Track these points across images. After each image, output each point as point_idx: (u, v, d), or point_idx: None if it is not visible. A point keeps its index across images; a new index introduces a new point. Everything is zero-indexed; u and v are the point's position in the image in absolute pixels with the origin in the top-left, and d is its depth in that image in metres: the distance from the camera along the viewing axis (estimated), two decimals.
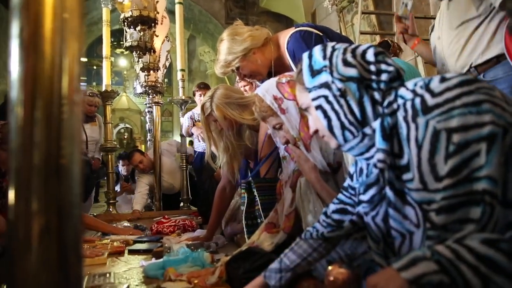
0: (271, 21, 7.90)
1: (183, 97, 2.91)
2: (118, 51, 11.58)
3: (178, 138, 3.53)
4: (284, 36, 1.52)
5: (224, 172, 1.75)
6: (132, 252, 1.61)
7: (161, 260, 1.35)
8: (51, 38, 0.38)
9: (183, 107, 2.99)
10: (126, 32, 1.65)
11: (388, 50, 2.12)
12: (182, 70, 2.92)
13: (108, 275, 1.25)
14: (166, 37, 2.51)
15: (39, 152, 0.37)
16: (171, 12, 3.09)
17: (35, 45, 0.38)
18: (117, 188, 3.69)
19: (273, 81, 1.21)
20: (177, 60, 2.87)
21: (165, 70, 2.90)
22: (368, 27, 5.32)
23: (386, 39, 3.19)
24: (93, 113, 3.41)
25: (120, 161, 3.98)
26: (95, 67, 12.20)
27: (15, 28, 0.37)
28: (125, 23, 1.51)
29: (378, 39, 5.00)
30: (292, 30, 1.51)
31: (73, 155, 0.40)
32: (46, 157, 0.38)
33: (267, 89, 1.19)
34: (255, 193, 1.45)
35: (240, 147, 1.64)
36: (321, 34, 1.46)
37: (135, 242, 1.77)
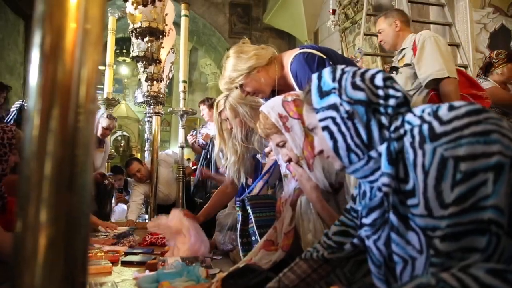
0: (273, 38, 8.00)
1: (184, 108, 2.92)
2: (120, 59, 11.64)
3: (176, 149, 3.53)
4: (288, 57, 1.54)
5: (229, 174, 1.77)
6: (126, 263, 1.59)
7: (155, 273, 1.33)
8: (71, 49, 0.38)
9: (183, 118, 3.00)
10: (133, 42, 1.67)
11: None
12: (184, 81, 2.95)
13: (110, 284, 1.23)
14: (171, 48, 2.53)
15: (52, 160, 0.37)
16: (176, 24, 3.13)
17: (55, 55, 0.38)
18: (112, 200, 3.67)
19: (278, 99, 1.22)
20: (179, 71, 2.89)
21: (168, 81, 2.92)
22: (370, 48, 5.40)
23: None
24: (107, 136, 3.22)
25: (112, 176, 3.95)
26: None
27: (37, 38, 0.38)
28: (133, 34, 1.53)
29: (379, 60, 5.07)
30: (296, 51, 1.54)
31: (86, 164, 0.40)
32: (59, 165, 0.38)
33: (272, 107, 1.19)
34: (249, 211, 1.45)
35: (247, 151, 1.66)
36: (324, 56, 1.48)
37: (127, 253, 1.74)
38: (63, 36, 0.38)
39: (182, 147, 3.15)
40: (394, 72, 1.99)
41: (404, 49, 2.05)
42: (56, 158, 0.37)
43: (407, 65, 1.97)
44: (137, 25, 1.45)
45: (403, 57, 2.05)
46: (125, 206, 3.82)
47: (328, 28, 5.82)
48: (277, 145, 1.20)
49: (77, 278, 0.39)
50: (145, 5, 1.17)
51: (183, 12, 3.03)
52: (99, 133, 3.04)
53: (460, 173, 0.59)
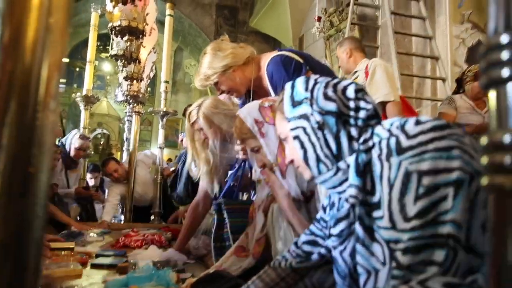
0: (259, 42, 8.02)
1: (165, 109, 2.89)
2: (103, 55, 11.43)
3: (155, 150, 3.49)
4: (266, 58, 1.54)
5: (202, 185, 1.74)
6: (95, 266, 1.55)
7: (124, 276, 1.30)
8: (32, 44, 0.37)
9: (164, 119, 2.97)
10: (112, 40, 1.64)
11: None
12: (166, 82, 2.92)
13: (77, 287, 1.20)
14: (153, 48, 2.51)
15: (6, 156, 0.36)
16: (161, 23, 3.10)
17: (14, 49, 0.37)
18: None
19: (256, 103, 1.22)
20: (162, 71, 2.87)
21: (148, 81, 2.89)
22: None
23: None
24: (81, 157, 3.08)
25: (88, 174, 3.87)
26: (77, 69, 12.00)
27: None
28: (113, 32, 1.51)
29: None
30: (274, 53, 1.54)
31: (43, 164, 0.38)
32: (12, 164, 0.36)
33: (249, 111, 1.19)
34: (225, 215, 1.44)
35: (223, 160, 1.63)
36: (301, 61, 1.48)
37: (98, 255, 1.71)
38: (23, 29, 0.37)
39: (161, 148, 3.12)
40: None
41: (357, 71, 2.30)
42: (9, 156, 0.36)
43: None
44: (117, 23, 1.43)
45: (356, 78, 2.29)
46: (100, 206, 3.76)
47: (313, 35, 5.88)
48: (252, 150, 1.21)
49: (28, 282, 0.38)
50: (124, 4, 1.15)
51: (168, 11, 3.00)
52: (72, 154, 2.93)
53: (422, 187, 0.60)
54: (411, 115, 2.29)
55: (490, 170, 0.33)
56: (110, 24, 1.48)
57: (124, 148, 3.66)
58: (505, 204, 0.32)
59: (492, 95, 0.34)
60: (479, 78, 1.75)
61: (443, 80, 3.81)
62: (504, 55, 0.33)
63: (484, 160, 0.34)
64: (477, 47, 4.05)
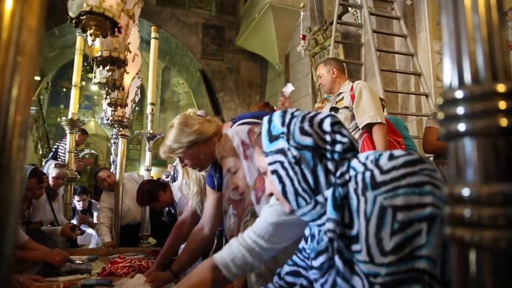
0: (245, 60, 8.12)
1: (151, 131, 2.89)
2: (90, 75, 11.42)
3: (143, 170, 3.45)
4: (225, 129, 1.54)
5: (191, 204, 1.73)
6: None
7: None
8: None
9: (150, 142, 2.96)
10: (95, 68, 1.65)
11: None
12: (152, 104, 2.93)
13: None
14: (137, 73, 2.52)
15: None
16: (147, 43, 3.12)
17: None
18: (74, 221, 3.52)
19: (246, 127, 1.22)
20: (148, 93, 2.87)
21: (134, 105, 2.89)
22: None
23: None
24: (60, 186, 3.07)
25: (76, 196, 3.79)
26: (64, 90, 11.94)
27: None
28: (94, 62, 1.51)
29: None
30: (229, 125, 1.54)
31: (14, 203, 0.37)
32: None
33: (237, 132, 1.19)
34: (224, 243, 1.43)
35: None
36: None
37: (83, 285, 1.67)
38: None
39: (148, 170, 3.10)
40: (334, 112, 2.30)
41: (342, 93, 2.37)
42: None
43: (346, 107, 2.30)
44: (98, 53, 1.43)
45: (341, 99, 2.37)
46: (89, 230, 3.68)
47: (298, 52, 5.97)
48: (228, 170, 1.20)
49: None
50: (105, 37, 1.16)
51: (152, 34, 3.03)
52: (51, 184, 2.92)
53: (397, 222, 0.61)
54: (394, 137, 2.38)
55: (451, 222, 0.34)
56: (91, 56, 1.49)
57: (112, 170, 3.61)
58: (465, 256, 0.33)
59: (451, 147, 0.35)
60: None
61: (426, 95, 3.89)
62: (460, 110, 0.34)
63: (446, 210, 0.35)
64: None
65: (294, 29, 6.63)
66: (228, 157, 1.19)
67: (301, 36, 5.71)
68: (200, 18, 8.10)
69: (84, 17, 1.09)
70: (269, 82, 7.93)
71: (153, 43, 2.97)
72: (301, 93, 6.36)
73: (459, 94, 0.35)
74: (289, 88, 3.25)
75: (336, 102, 2.39)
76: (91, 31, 1.10)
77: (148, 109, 2.91)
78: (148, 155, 3.03)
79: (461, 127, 0.34)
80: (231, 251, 0.95)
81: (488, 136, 0.33)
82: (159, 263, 1.78)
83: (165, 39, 7.90)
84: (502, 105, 0.33)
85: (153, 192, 2.51)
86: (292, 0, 6.43)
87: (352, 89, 2.32)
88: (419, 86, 4.09)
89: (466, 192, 0.33)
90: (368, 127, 2.23)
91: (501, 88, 0.33)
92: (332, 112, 2.29)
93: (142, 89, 3.65)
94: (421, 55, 4.25)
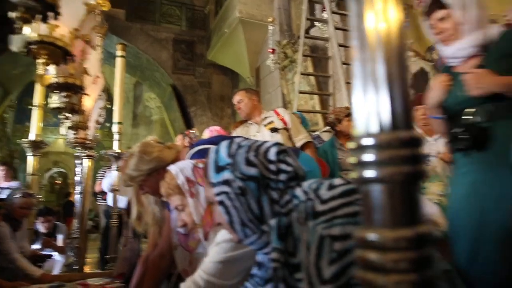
0: (217, 74, 8.14)
1: (119, 151, 2.83)
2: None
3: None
4: (183, 157, 1.56)
5: (160, 240, 1.64)
6: None
7: None
8: None
9: (118, 161, 2.89)
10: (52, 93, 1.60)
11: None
12: (120, 123, 2.87)
13: None
14: (99, 94, 2.47)
15: None
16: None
17: None
18: (37, 246, 3.36)
19: (190, 163, 1.22)
20: (114, 112, 2.82)
21: (99, 126, 2.83)
22: (308, 85, 5.67)
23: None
24: (26, 216, 2.82)
25: (40, 218, 3.53)
26: (31, 107, 11.57)
27: None
28: (50, 88, 1.47)
29: (316, 98, 5.33)
30: (187, 150, 1.56)
31: None
32: None
33: (182, 169, 1.18)
34: None
35: None
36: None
37: None
38: None
39: (116, 190, 3.02)
40: (275, 132, 2.58)
41: (268, 117, 2.66)
42: None
43: (285, 128, 2.63)
44: (53, 80, 1.39)
45: (270, 123, 2.65)
46: (54, 256, 3.52)
47: (268, 66, 6.04)
48: (176, 207, 1.19)
49: None
50: (57, 65, 1.13)
51: (119, 52, 2.99)
52: (16, 215, 2.67)
53: (334, 252, 0.62)
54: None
55: (361, 265, 0.35)
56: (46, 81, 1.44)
57: (78, 192, 3.45)
58: None
59: (362, 192, 0.37)
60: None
61: None
62: (367, 157, 0.36)
63: (357, 254, 0.36)
64: (420, 74, 4.32)
65: (264, 43, 6.72)
66: (174, 195, 1.18)
67: (270, 50, 5.79)
68: (170, 33, 8.08)
69: (34, 46, 1.06)
70: None
71: (118, 61, 2.92)
72: (272, 105, 6.43)
73: (366, 141, 0.36)
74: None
75: (265, 125, 2.67)
76: (43, 60, 1.08)
77: (115, 128, 2.85)
78: (115, 176, 2.95)
79: (369, 173, 0.36)
80: None
81: (393, 183, 0.35)
82: None
83: (136, 55, 7.83)
84: (405, 152, 0.35)
85: None
86: (261, 14, 6.53)
87: (277, 113, 2.65)
88: None
89: (373, 237, 0.35)
90: (304, 145, 2.63)
91: (403, 135, 0.35)
92: (273, 133, 2.58)
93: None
94: None
